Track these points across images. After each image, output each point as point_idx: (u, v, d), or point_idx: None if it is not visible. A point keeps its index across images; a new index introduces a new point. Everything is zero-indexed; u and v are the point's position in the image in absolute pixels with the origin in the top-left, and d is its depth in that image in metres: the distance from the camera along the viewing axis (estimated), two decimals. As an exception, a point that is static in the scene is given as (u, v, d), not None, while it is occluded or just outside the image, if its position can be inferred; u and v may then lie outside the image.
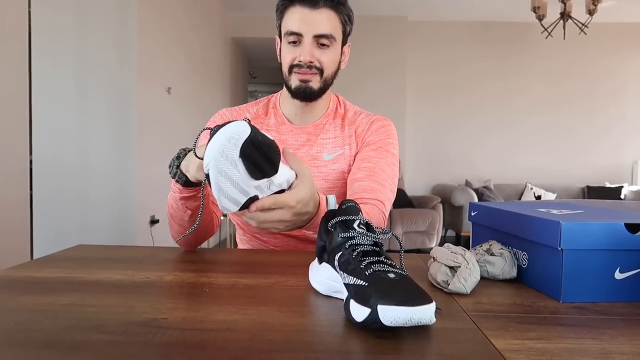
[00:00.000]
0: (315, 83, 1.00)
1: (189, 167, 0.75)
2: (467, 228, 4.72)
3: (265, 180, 0.63)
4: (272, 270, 0.74)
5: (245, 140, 0.57)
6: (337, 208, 0.63)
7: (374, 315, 0.45)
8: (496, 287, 0.66)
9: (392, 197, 1.02)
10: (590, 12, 3.98)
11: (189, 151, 0.76)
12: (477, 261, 0.67)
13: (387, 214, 0.98)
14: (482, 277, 0.67)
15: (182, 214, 0.86)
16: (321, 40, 0.97)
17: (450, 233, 5.55)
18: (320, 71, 0.99)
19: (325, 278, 0.60)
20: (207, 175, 0.60)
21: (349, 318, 0.49)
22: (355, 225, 0.57)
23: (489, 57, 5.77)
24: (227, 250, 0.98)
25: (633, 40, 5.71)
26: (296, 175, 0.70)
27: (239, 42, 5.84)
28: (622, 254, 0.60)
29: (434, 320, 0.46)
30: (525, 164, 5.75)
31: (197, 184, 0.79)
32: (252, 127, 0.59)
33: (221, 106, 4.51)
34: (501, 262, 0.68)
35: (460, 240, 5.04)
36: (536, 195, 5.33)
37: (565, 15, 4.09)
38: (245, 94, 6.90)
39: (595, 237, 0.59)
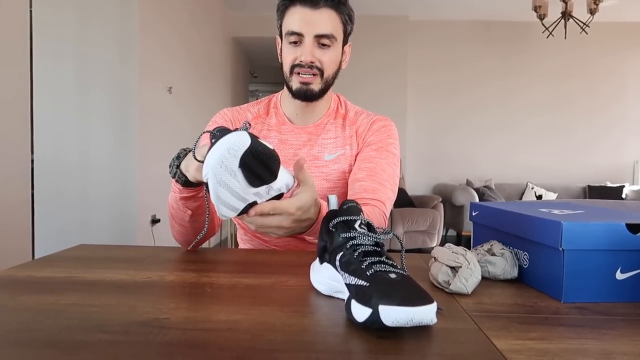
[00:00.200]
0: (316, 85, 1.00)
1: (189, 167, 0.75)
2: (468, 228, 4.72)
3: (264, 187, 0.63)
4: (274, 270, 0.74)
5: (245, 152, 0.57)
6: (338, 208, 0.63)
7: (375, 315, 0.45)
8: (497, 287, 0.66)
9: (393, 197, 1.02)
10: (592, 12, 3.97)
11: (189, 151, 0.76)
12: (478, 261, 0.67)
13: (388, 214, 0.98)
14: (483, 277, 0.67)
15: (182, 214, 0.87)
16: (322, 40, 0.97)
17: (451, 233, 5.54)
18: (321, 72, 0.99)
19: (327, 278, 0.60)
20: (206, 184, 0.60)
21: (350, 318, 0.50)
22: (356, 226, 0.57)
23: (490, 56, 5.76)
24: (228, 250, 0.98)
25: (634, 39, 5.70)
26: (295, 180, 0.71)
27: (240, 42, 5.84)
28: (624, 254, 0.60)
29: (435, 320, 0.46)
30: (526, 163, 5.75)
31: (197, 184, 0.79)
32: (252, 137, 0.59)
33: (222, 106, 4.51)
34: (502, 262, 0.68)
35: (461, 240, 5.03)
36: (537, 194, 5.32)
37: (566, 15, 4.09)
38: (246, 94, 6.90)
39: (597, 237, 0.59)
